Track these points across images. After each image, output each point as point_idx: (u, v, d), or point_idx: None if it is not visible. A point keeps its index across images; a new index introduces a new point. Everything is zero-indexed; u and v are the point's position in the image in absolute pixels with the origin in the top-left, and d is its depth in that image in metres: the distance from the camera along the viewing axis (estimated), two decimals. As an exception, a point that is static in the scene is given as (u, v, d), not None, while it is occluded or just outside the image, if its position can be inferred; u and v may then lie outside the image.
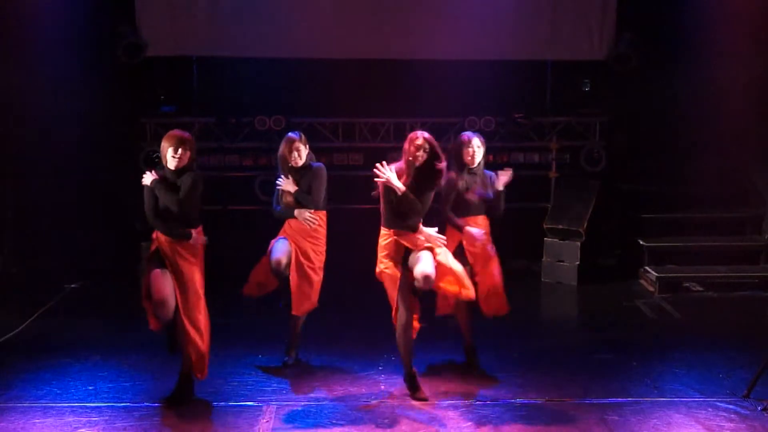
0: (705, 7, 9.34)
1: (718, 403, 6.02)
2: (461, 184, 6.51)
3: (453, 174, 6.41)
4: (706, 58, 9.45)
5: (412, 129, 9.78)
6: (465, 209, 6.55)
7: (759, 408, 5.93)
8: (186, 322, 5.93)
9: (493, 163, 9.78)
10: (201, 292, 6.03)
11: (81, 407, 5.89)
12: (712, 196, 9.81)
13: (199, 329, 5.99)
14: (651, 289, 9.01)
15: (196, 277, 6.00)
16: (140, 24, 9.46)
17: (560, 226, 9.41)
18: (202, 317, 6.03)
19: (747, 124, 9.34)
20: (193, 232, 5.99)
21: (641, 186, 10.00)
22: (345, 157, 9.90)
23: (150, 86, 9.91)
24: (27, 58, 8.98)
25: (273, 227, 9.66)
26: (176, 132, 6.07)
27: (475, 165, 6.57)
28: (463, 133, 6.71)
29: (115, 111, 9.62)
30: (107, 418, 5.74)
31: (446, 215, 6.53)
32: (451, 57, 9.78)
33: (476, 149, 6.54)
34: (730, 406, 5.96)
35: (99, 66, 9.48)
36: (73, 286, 8.91)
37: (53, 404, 5.94)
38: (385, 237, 6.11)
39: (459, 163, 6.56)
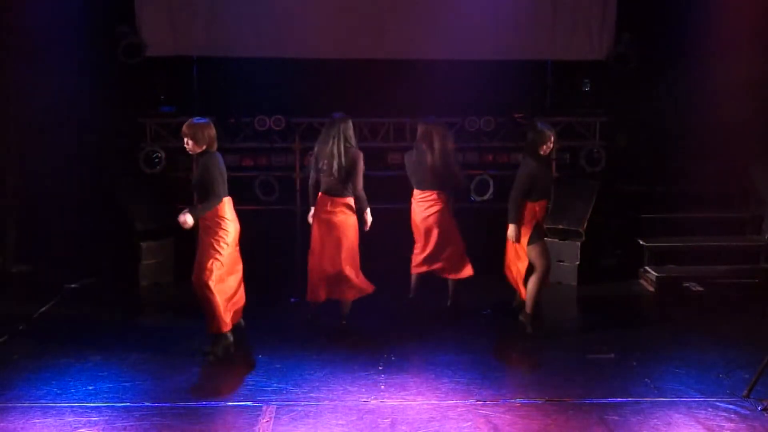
0: (705, 8, 9.33)
1: (718, 403, 6.02)
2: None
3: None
4: (706, 59, 9.44)
5: (413, 129, 9.85)
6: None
7: (759, 408, 5.93)
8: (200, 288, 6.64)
9: (493, 163, 9.87)
10: (213, 262, 6.63)
11: (81, 407, 5.89)
12: (712, 196, 9.79)
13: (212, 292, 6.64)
14: (651, 289, 9.01)
15: (211, 249, 6.63)
16: (140, 24, 9.45)
17: (560, 226, 9.40)
18: (218, 283, 6.66)
19: (747, 125, 9.33)
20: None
21: (641, 186, 9.99)
22: (345, 157, 9.88)
23: (150, 86, 9.88)
24: (27, 59, 8.97)
25: (273, 227, 9.68)
26: (185, 124, 6.71)
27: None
28: (541, 125, 7.45)
29: (114, 111, 9.61)
30: (107, 418, 5.74)
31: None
32: (450, 57, 9.76)
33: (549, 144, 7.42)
34: (730, 406, 5.96)
35: (99, 66, 9.47)
36: (73, 286, 8.90)
37: (53, 404, 5.94)
38: None
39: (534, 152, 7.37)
